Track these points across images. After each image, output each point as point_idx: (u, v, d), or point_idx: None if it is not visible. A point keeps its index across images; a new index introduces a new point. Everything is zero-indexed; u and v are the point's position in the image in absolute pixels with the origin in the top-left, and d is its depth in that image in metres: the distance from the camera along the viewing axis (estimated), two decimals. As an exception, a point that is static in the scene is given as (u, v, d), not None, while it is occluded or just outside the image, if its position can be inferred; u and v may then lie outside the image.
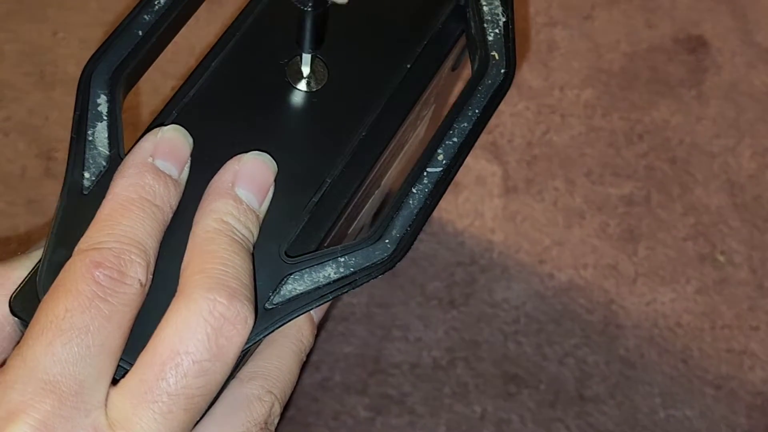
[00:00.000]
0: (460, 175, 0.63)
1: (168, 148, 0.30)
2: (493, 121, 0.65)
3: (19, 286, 0.29)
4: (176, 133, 0.30)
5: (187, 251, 0.28)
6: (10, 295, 0.28)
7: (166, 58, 0.74)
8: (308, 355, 0.32)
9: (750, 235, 0.61)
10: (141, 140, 0.30)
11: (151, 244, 0.28)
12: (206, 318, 0.26)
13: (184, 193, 0.30)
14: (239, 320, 0.26)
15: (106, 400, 0.26)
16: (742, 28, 0.70)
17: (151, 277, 0.27)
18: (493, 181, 0.63)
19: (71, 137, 0.30)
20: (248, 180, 0.30)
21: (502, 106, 0.66)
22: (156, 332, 0.26)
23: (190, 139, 0.30)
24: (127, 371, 0.26)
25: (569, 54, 0.69)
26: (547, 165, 0.64)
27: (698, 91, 0.66)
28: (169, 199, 0.29)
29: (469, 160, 0.65)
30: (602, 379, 0.57)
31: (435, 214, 0.64)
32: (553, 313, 0.59)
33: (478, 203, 0.62)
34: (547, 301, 0.59)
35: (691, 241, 0.61)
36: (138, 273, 0.27)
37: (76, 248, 0.27)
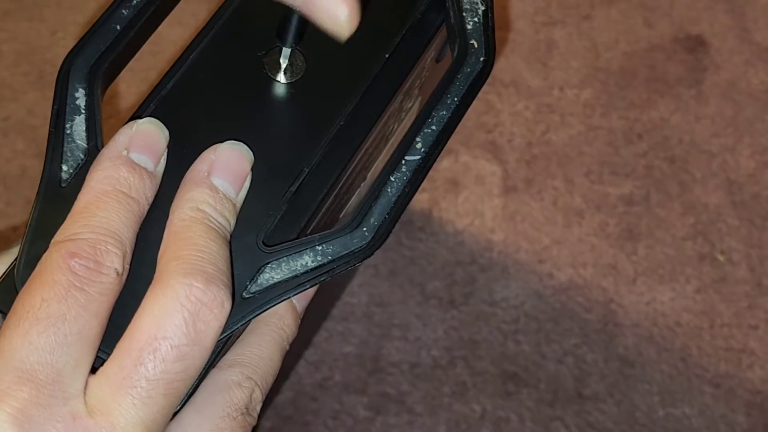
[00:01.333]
0: (460, 175, 0.63)
1: (143, 141, 0.30)
2: (492, 121, 0.65)
3: None
4: (151, 125, 0.30)
5: (163, 240, 0.28)
6: None
7: (164, 58, 0.75)
8: (297, 347, 0.32)
9: (749, 234, 0.61)
10: (116, 134, 0.30)
11: (127, 235, 0.28)
12: (183, 303, 0.26)
13: (161, 185, 0.30)
14: (216, 304, 0.26)
15: (85, 388, 0.26)
16: (741, 27, 0.70)
17: (128, 266, 0.27)
18: (492, 181, 0.63)
19: (49, 131, 0.30)
20: (224, 169, 0.30)
21: (500, 106, 0.66)
22: (134, 319, 0.26)
23: (166, 132, 0.31)
24: (105, 361, 0.27)
25: (568, 53, 0.69)
26: (547, 164, 0.64)
27: (697, 90, 0.66)
28: (144, 191, 0.29)
29: (468, 159, 0.65)
30: (601, 378, 0.57)
31: (434, 213, 0.64)
32: (552, 312, 0.59)
33: (477, 203, 0.62)
34: (546, 300, 0.59)
35: (690, 240, 0.61)
36: (114, 262, 0.27)
37: (53, 241, 0.27)
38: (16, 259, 0.29)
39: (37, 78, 0.67)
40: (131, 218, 0.28)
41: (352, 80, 0.33)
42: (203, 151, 0.30)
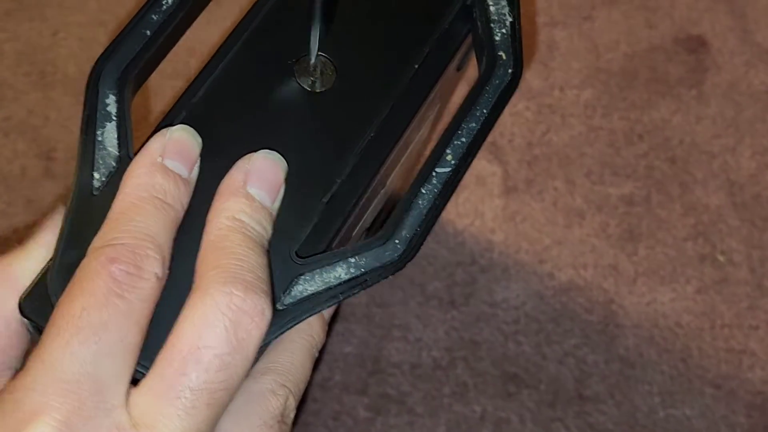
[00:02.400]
0: (460, 175, 0.63)
1: (177, 148, 0.30)
2: (492, 121, 0.65)
3: (29, 287, 0.29)
4: (185, 133, 0.30)
5: (201, 249, 0.28)
6: (18, 294, 0.28)
7: (169, 58, 0.75)
8: (320, 352, 0.32)
9: (749, 235, 0.61)
10: (150, 140, 0.30)
11: (165, 240, 0.28)
12: (224, 311, 0.26)
13: (195, 193, 0.30)
14: (257, 312, 0.26)
15: (128, 399, 0.26)
16: (742, 27, 0.70)
17: (167, 271, 0.27)
18: (493, 181, 0.63)
19: (80, 137, 0.30)
20: (259, 178, 0.30)
21: (501, 106, 0.66)
22: (174, 329, 0.26)
23: (199, 139, 0.31)
24: (144, 375, 0.26)
25: (569, 54, 0.69)
26: (547, 165, 0.64)
27: (698, 91, 0.66)
28: (179, 197, 0.29)
29: (468, 159, 0.65)
30: (602, 379, 0.57)
31: (435, 213, 0.64)
32: (553, 312, 0.59)
33: (478, 203, 0.62)
34: (546, 300, 0.59)
35: (691, 241, 0.61)
36: (154, 267, 0.26)
37: (90, 247, 0.27)
38: (46, 266, 0.29)
39: (38, 78, 0.67)
40: (168, 224, 0.28)
41: (382, 90, 0.33)
42: (234, 160, 0.30)
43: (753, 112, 0.65)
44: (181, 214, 0.29)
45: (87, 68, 0.75)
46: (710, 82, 0.67)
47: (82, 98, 0.66)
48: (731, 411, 0.50)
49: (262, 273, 0.27)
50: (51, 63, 0.68)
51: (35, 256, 0.29)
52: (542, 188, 0.63)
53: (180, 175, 0.29)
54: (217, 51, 0.34)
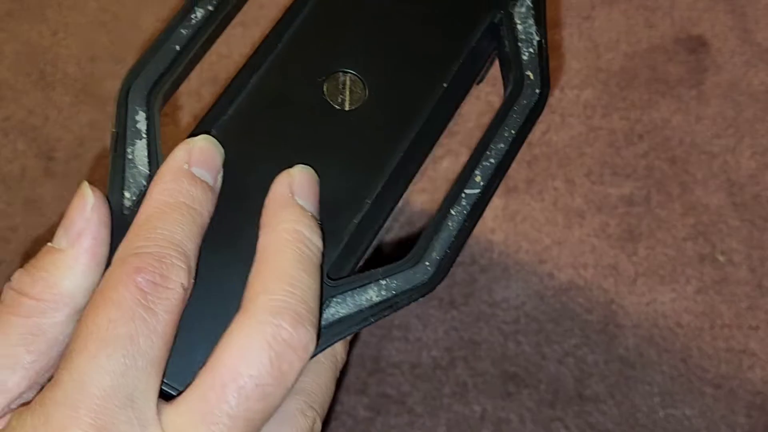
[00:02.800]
0: (460, 175, 0.63)
1: (202, 157, 0.30)
2: (492, 121, 0.65)
3: None
4: (208, 142, 0.30)
5: (255, 263, 0.28)
6: (69, 308, 0.27)
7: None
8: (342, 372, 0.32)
9: (749, 235, 0.61)
10: (174, 150, 0.30)
11: (191, 247, 0.27)
12: (270, 342, 0.26)
13: (224, 211, 0.29)
14: (301, 347, 0.26)
15: (160, 415, 0.25)
16: (742, 27, 0.70)
17: (192, 281, 0.27)
18: (492, 181, 0.63)
19: (111, 155, 0.30)
20: (304, 190, 0.30)
21: (501, 106, 0.66)
22: (217, 351, 0.26)
23: (221, 150, 0.30)
24: (176, 391, 0.26)
25: (569, 54, 0.69)
26: (547, 165, 0.64)
27: (698, 91, 0.66)
28: (206, 203, 0.29)
29: (468, 159, 0.65)
30: (602, 379, 0.57)
31: (435, 213, 0.64)
32: (553, 312, 0.59)
33: (477, 203, 0.62)
34: (546, 300, 0.59)
35: (691, 241, 0.61)
36: (180, 276, 0.26)
37: (115, 257, 0.27)
38: None
39: (38, 78, 0.67)
40: (194, 230, 0.28)
41: (411, 108, 0.33)
42: (263, 178, 0.30)
43: (753, 112, 0.65)
44: (207, 221, 0.29)
45: (87, 68, 0.76)
46: (710, 82, 0.67)
47: (82, 98, 0.66)
48: (731, 411, 0.50)
49: (313, 302, 0.27)
50: (51, 63, 0.68)
51: (83, 269, 0.27)
52: (542, 188, 0.63)
53: (206, 182, 0.29)
54: (245, 65, 0.33)
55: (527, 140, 0.64)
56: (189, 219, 0.28)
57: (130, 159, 0.30)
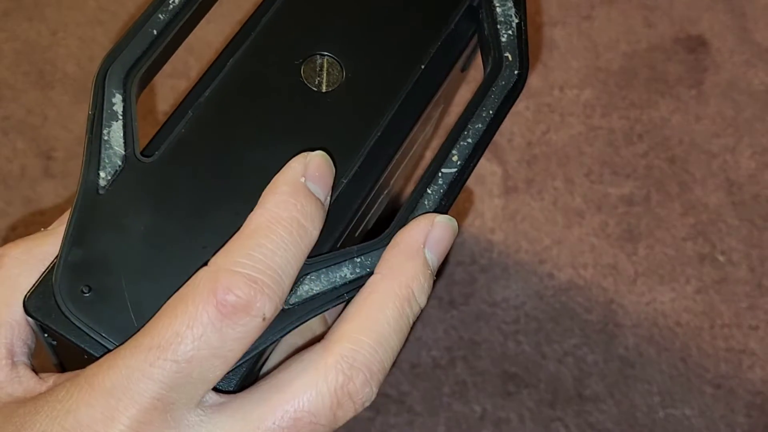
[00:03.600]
0: (460, 175, 0.63)
1: (318, 172, 0.29)
2: (492, 121, 0.65)
3: (34, 285, 0.28)
4: (324, 159, 0.29)
5: (360, 298, 0.28)
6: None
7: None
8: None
9: (749, 234, 0.61)
10: (290, 161, 0.29)
11: (290, 272, 0.27)
12: (337, 392, 0.26)
13: (202, 194, 0.29)
14: (361, 402, 0.27)
15: (207, 415, 0.26)
16: (741, 27, 0.70)
17: (278, 311, 0.27)
18: (492, 181, 0.63)
19: (86, 136, 0.30)
20: (317, 176, 0.29)
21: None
22: (286, 374, 0.26)
23: (333, 167, 0.30)
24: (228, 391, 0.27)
25: (568, 53, 0.69)
26: (547, 164, 0.64)
27: (697, 91, 0.66)
28: (318, 222, 0.28)
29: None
30: (601, 378, 0.57)
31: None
32: (553, 312, 0.59)
33: (477, 203, 0.62)
34: (546, 300, 0.59)
35: (691, 241, 0.61)
36: (265, 308, 0.26)
37: (212, 260, 0.26)
38: (51, 266, 0.29)
39: (37, 77, 0.67)
40: (300, 250, 0.27)
41: (388, 91, 0.33)
42: (242, 160, 0.30)
43: (752, 111, 0.65)
44: (314, 241, 0.28)
45: (86, 67, 0.75)
46: (710, 81, 0.67)
47: (81, 97, 0.66)
48: (731, 410, 0.50)
49: (389, 364, 0.28)
50: (50, 62, 0.68)
51: (58, 241, 0.29)
52: (542, 188, 0.63)
53: (320, 200, 0.29)
54: (224, 49, 0.34)
55: (527, 140, 0.64)
56: (297, 238, 0.27)
57: (106, 140, 0.30)
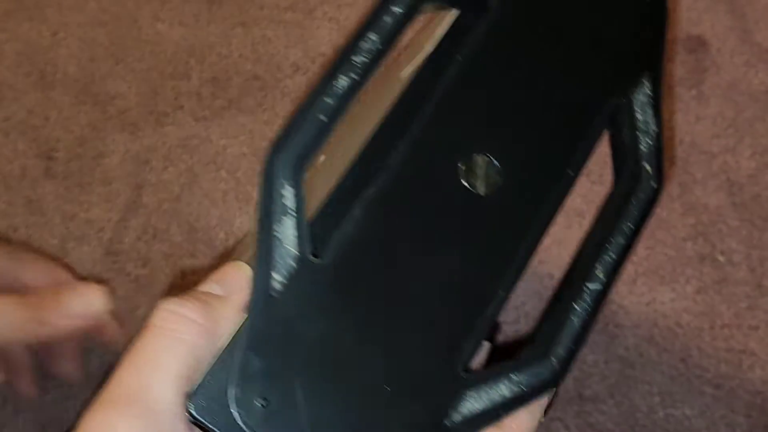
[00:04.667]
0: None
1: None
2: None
3: (200, 385, 0.27)
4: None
5: None
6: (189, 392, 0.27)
7: (165, 58, 0.75)
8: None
9: (749, 235, 0.61)
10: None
11: None
12: None
13: (371, 290, 0.29)
14: None
15: None
16: (742, 27, 0.70)
17: None
18: (492, 181, 0.63)
19: (257, 232, 0.28)
20: None
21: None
22: None
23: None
24: None
25: (568, 54, 0.69)
26: (547, 165, 0.64)
27: (698, 91, 0.66)
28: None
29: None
30: (601, 379, 0.57)
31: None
32: (553, 312, 0.59)
33: (477, 203, 0.62)
34: (546, 300, 0.59)
35: (691, 241, 0.61)
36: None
37: None
38: (217, 362, 0.28)
39: (38, 78, 0.67)
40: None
41: (541, 195, 0.33)
42: (411, 265, 0.29)
43: (753, 112, 0.65)
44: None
45: (87, 68, 0.76)
46: (710, 82, 0.67)
47: (82, 98, 0.66)
48: (731, 411, 0.50)
49: None
50: (51, 63, 0.68)
51: (232, 319, 0.28)
52: (542, 188, 0.63)
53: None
54: (380, 134, 0.32)
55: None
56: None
57: (277, 238, 0.28)
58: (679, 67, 0.68)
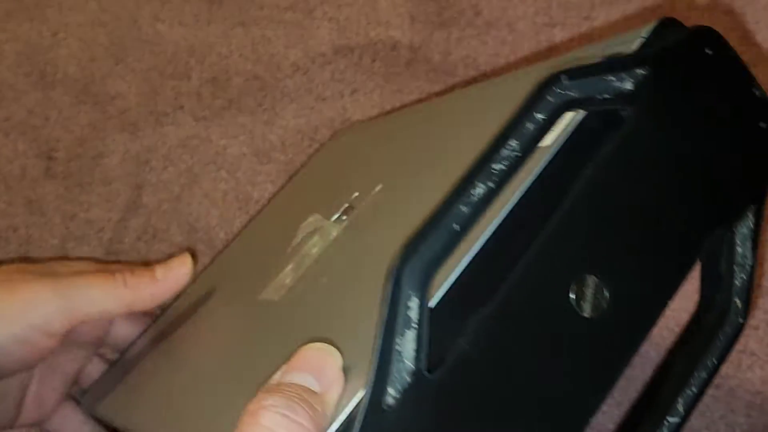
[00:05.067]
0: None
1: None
2: (492, 121, 0.65)
3: None
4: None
5: None
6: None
7: (165, 58, 0.75)
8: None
9: (749, 235, 0.61)
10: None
11: None
12: None
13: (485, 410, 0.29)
14: None
15: None
16: (742, 27, 0.70)
17: None
18: (492, 181, 0.63)
19: (378, 343, 0.27)
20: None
21: (501, 106, 0.66)
22: None
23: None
24: None
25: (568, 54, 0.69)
26: (547, 165, 0.64)
27: (697, 91, 0.66)
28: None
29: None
30: (602, 379, 0.57)
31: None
32: (553, 312, 0.59)
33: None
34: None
35: (691, 241, 0.61)
36: None
37: None
38: None
39: (38, 78, 0.67)
40: None
41: (642, 322, 0.32)
42: (521, 386, 0.29)
43: (752, 112, 0.66)
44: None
45: (88, 68, 0.76)
46: (710, 82, 0.67)
47: (82, 98, 0.66)
48: (730, 410, 0.50)
49: None
50: (51, 63, 0.68)
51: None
52: (542, 188, 0.63)
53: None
54: (494, 244, 0.30)
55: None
56: None
57: (398, 351, 0.27)
58: (679, 67, 0.68)
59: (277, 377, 0.30)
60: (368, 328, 0.28)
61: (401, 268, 0.27)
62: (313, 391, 0.28)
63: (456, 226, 0.28)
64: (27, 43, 0.69)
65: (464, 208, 0.28)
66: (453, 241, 0.28)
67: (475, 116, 0.39)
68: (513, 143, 0.29)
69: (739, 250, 0.33)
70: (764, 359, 0.52)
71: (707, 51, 0.34)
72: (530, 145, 0.29)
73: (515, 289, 0.30)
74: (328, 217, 0.42)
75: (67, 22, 0.70)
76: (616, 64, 0.31)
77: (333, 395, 0.29)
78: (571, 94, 0.30)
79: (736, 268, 0.33)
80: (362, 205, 0.41)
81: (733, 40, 0.68)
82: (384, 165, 0.44)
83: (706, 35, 0.34)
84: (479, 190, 0.28)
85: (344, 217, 0.41)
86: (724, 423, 0.49)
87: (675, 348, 0.32)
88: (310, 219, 0.43)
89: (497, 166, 0.29)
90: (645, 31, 0.34)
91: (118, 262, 0.60)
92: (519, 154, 0.29)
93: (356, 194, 0.42)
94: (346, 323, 0.32)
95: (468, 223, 0.28)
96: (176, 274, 0.45)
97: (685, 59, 0.34)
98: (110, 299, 0.43)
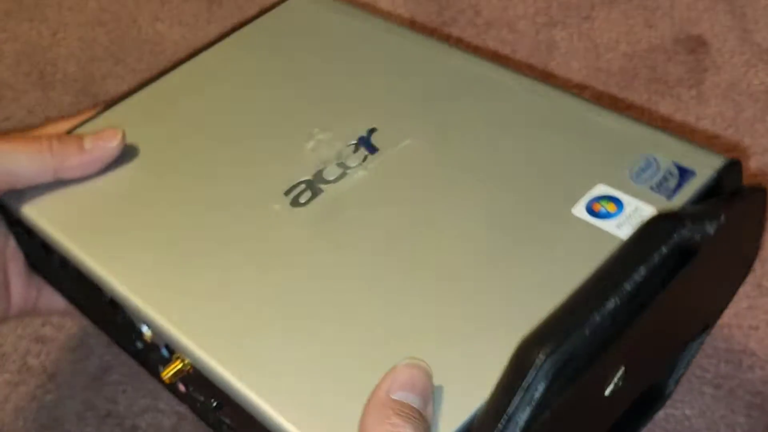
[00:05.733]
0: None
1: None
2: (492, 121, 0.65)
3: None
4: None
5: None
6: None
7: (165, 58, 0.75)
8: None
9: (749, 235, 0.61)
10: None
11: None
12: None
13: None
14: None
15: None
16: (741, 27, 0.70)
17: None
18: (492, 181, 0.63)
19: (496, 416, 0.30)
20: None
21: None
22: None
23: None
24: None
25: (569, 54, 0.69)
26: (547, 165, 0.64)
27: (698, 91, 0.66)
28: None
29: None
30: (602, 379, 0.57)
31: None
32: (553, 312, 0.59)
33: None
34: None
35: (691, 241, 0.61)
36: None
37: None
38: None
39: (38, 78, 0.67)
40: None
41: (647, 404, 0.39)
42: None
43: (753, 112, 0.65)
44: None
45: (87, 68, 0.75)
46: (710, 82, 0.67)
47: (82, 98, 0.66)
48: (731, 410, 0.50)
49: None
50: (51, 63, 0.68)
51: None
52: (542, 188, 0.63)
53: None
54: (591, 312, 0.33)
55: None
56: None
57: (517, 423, 0.29)
58: (678, 67, 0.68)
59: (385, 388, 0.31)
60: (464, 353, 0.32)
61: (535, 352, 0.30)
62: (415, 408, 0.30)
63: (587, 332, 0.31)
64: (27, 42, 0.69)
65: (597, 317, 0.31)
66: (581, 345, 0.31)
67: None
68: (642, 271, 0.33)
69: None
70: (764, 359, 0.52)
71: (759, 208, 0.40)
72: (653, 272, 0.33)
73: (577, 387, 0.32)
74: (345, 141, 0.42)
75: (67, 22, 0.70)
76: (710, 211, 0.36)
77: (429, 412, 0.31)
78: (685, 233, 0.34)
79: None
80: (390, 155, 0.41)
81: (732, 40, 0.68)
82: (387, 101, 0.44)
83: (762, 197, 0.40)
84: (610, 305, 0.31)
85: (365, 153, 0.41)
86: (724, 423, 0.49)
87: None
88: (321, 137, 0.43)
89: (627, 287, 0.32)
90: (716, 163, 0.39)
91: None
92: (642, 280, 0.33)
93: (375, 129, 0.42)
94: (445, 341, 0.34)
95: (599, 332, 0.31)
96: (104, 146, 0.43)
97: (746, 212, 0.39)
98: (35, 165, 0.42)
